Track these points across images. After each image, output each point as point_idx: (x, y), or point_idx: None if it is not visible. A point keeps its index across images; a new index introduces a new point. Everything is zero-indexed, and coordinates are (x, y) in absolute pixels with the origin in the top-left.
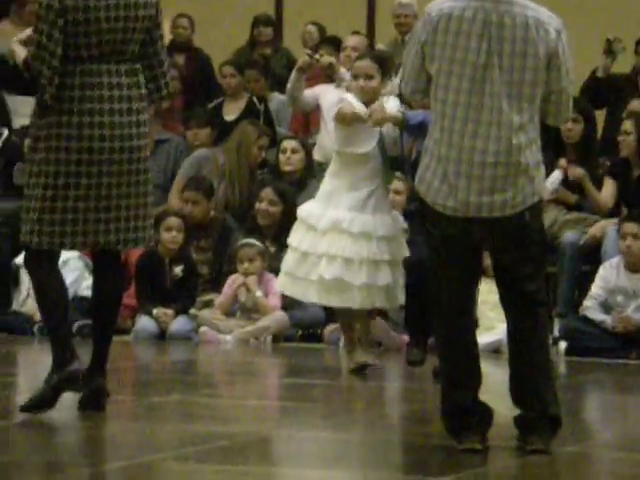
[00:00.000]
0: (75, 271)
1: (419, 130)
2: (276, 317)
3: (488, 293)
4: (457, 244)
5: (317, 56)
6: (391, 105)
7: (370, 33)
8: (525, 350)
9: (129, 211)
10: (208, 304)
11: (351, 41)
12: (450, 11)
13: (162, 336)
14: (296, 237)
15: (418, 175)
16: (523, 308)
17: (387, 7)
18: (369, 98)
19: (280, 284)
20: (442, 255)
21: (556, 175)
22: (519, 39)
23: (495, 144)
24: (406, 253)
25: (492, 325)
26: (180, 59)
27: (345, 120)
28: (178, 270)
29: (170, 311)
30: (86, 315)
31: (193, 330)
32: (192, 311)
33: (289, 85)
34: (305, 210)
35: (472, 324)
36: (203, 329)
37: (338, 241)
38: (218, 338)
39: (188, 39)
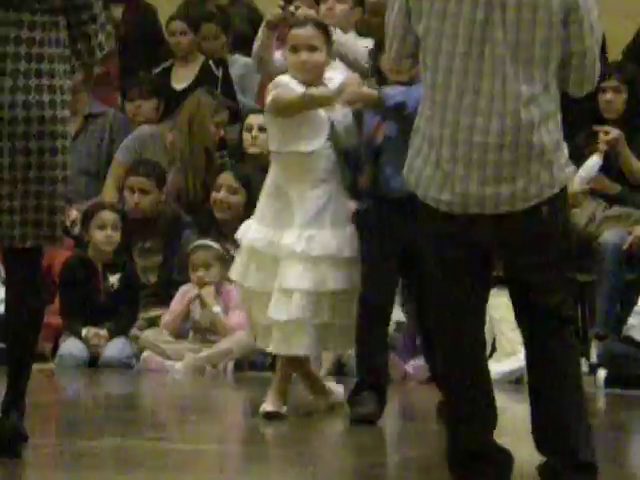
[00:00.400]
0: None
1: (397, 113)
2: (239, 339)
3: (507, 308)
4: (456, 246)
5: (291, 8)
6: (338, 79)
7: None
8: (547, 380)
9: (35, 200)
10: (153, 322)
11: None
12: None
13: (94, 363)
14: (239, 270)
15: (407, 162)
16: (542, 326)
17: None
18: (313, 76)
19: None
20: (438, 261)
21: (594, 161)
22: None
23: (499, 121)
24: None
25: (512, 349)
26: (117, 11)
27: (290, 109)
28: (114, 279)
29: (103, 331)
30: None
31: (133, 356)
32: (132, 332)
33: (256, 45)
34: (246, 234)
35: (480, 346)
36: (146, 354)
37: (293, 270)
38: (165, 366)
39: None
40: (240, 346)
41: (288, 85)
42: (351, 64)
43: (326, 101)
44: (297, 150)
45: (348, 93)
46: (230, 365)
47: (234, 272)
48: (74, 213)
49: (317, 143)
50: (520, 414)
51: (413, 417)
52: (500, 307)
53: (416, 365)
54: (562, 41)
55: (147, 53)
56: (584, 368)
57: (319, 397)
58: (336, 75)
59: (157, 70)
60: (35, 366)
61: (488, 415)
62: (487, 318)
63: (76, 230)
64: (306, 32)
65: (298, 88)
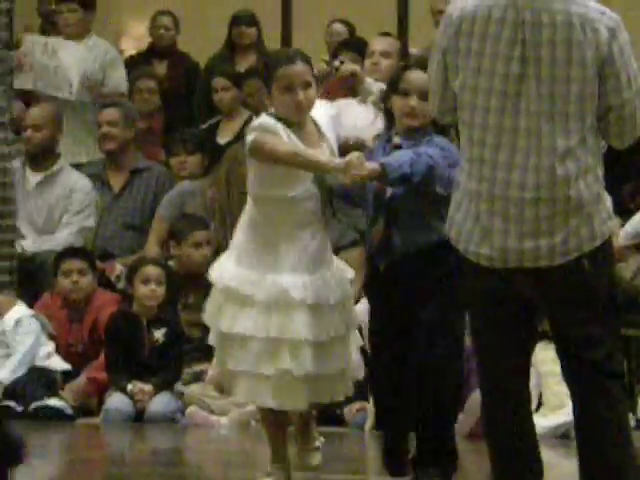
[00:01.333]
0: (31, 334)
1: (402, 183)
2: None
3: (554, 362)
4: (499, 301)
5: (337, 63)
6: (321, 113)
7: (402, 34)
8: (594, 437)
9: None
10: (198, 377)
11: (378, 44)
12: (474, 10)
13: (139, 417)
14: (218, 315)
15: (448, 216)
16: (588, 382)
17: (423, 2)
18: (306, 115)
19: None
20: (481, 317)
21: None
22: (560, 42)
23: (535, 175)
24: (360, 318)
25: (560, 403)
26: (161, 67)
27: (278, 161)
28: (159, 334)
29: (149, 386)
30: (47, 392)
31: (178, 410)
32: (177, 386)
33: None
34: (223, 275)
35: (525, 401)
36: (191, 409)
37: (290, 318)
38: (210, 421)
39: (171, 42)
40: None
41: (277, 132)
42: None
43: (322, 170)
44: (282, 194)
45: (351, 175)
46: (252, 421)
47: (207, 314)
48: (118, 267)
49: (301, 187)
50: (567, 469)
51: (457, 474)
52: (546, 361)
53: (458, 419)
54: (599, 94)
55: (190, 108)
56: (631, 423)
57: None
58: (317, 111)
59: (204, 126)
60: (81, 421)
61: (535, 472)
62: (533, 372)
63: (121, 284)
64: (300, 68)
65: (285, 135)
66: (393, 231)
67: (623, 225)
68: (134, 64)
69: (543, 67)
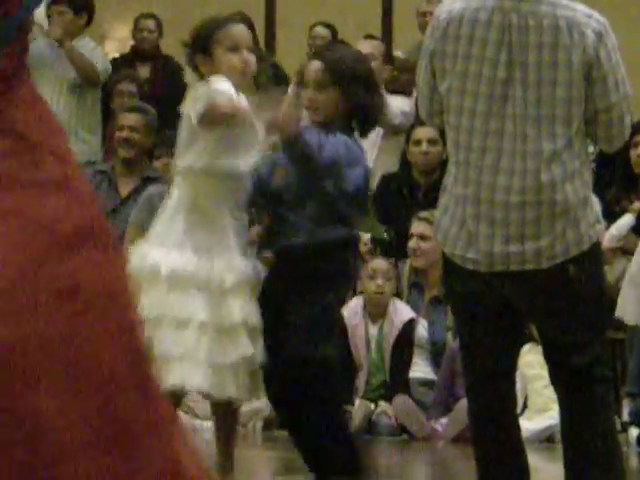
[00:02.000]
0: None
1: (307, 161)
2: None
3: (541, 365)
4: (484, 304)
5: None
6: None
7: (386, 37)
8: (579, 440)
9: None
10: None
11: (363, 47)
12: (461, 13)
13: None
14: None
15: (435, 220)
16: (575, 387)
17: (408, 4)
18: (247, 80)
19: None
20: (466, 319)
21: (626, 220)
22: (547, 45)
23: (521, 179)
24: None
25: (545, 406)
26: (144, 70)
27: (234, 119)
28: None
29: None
30: None
31: None
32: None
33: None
34: (166, 261)
35: (510, 405)
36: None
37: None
38: (194, 425)
39: (154, 45)
40: (269, 405)
41: (224, 88)
42: (382, 121)
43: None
44: (232, 167)
45: (286, 129)
46: (259, 424)
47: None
48: None
49: (251, 162)
50: (552, 473)
51: (443, 477)
52: (533, 364)
53: (445, 423)
54: (586, 98)
55: (174, 111)
56: (617, 426)
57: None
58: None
59: None
60: None
61: (520, 476)
62: (519, 375)
63: None
64: (245, 31)
65: (235, 94)
66: (277, 223)
67: (608, 228)
68: (117, 67)
69: (529, 71)
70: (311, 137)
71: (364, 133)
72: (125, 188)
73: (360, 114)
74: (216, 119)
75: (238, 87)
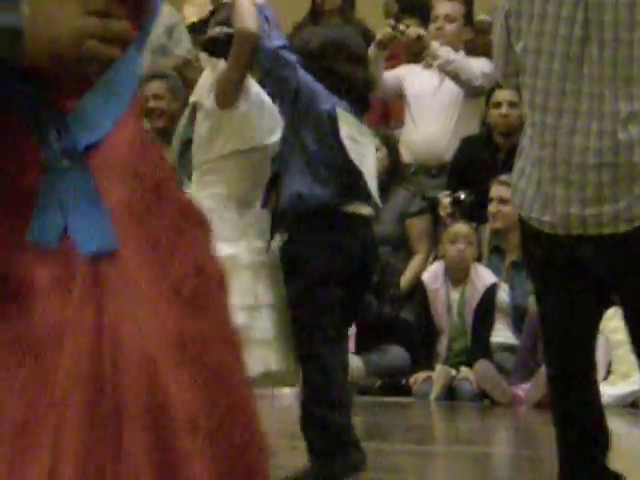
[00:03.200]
0: None
1: (276, 62)
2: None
3: (625, 331)
4: (561, 268)
5: (402, 27)
6: None
7: None
8: None
9: None
10: None
11: (442, 8)
12: None
13: None
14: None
15: (512, 183)
16: None
17: None
18: None
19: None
20: (544, 283)
21: None
22: (624, 5)
23: (597, 140)
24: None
25: (629, 372)
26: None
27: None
28: None
29: None
30: None
31: None
32: None
33: None
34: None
35: (590, 370)
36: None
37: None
38: (273, 392)
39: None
40: (349, 371)
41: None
42: (463, 83)
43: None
44: (263, 143)
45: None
46: None
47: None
48: None
49: (276, 136)
50: (636, 438)
51: (526, 444)
52: (617, 329)
53: (527, 388)
54: None
55: None
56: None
57: None
58: None
59: None
60: None
61: (599, 442)
62: (602, 340)
63: None
64: None
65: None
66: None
67: None
68: (195, 31)
69: (606, 30)
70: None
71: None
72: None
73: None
74: (230, 87)
75: None
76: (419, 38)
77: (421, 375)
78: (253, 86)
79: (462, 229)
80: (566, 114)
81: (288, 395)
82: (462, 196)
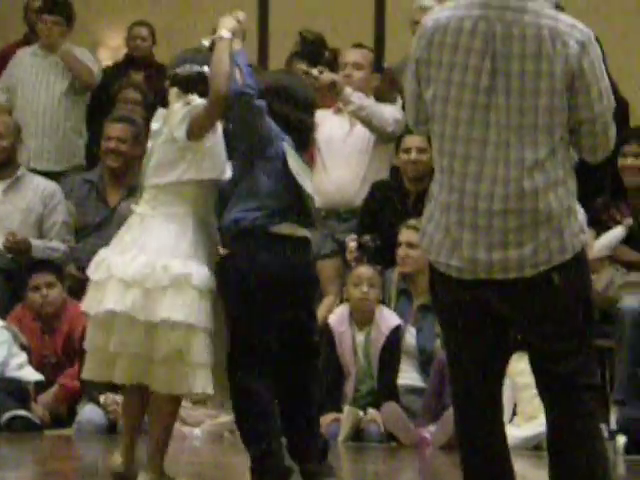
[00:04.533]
0: (2, 345)
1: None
2: None
3: (530, 373)
4: (468, 312)
5: (315, 72)
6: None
7: (378, 46)
8: (566, 449)
9: None
10: None
11: (351, 56)
12: (447, 22)
13: (112, 429)
14: None
15: (421, 226)
16: (561, 395)
17: (400, 13)
18: None
19: None
20: (451, 327)
21: (617, 232)
22: (530, 55)
23: (503, 187)
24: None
25: (534, 414)
26: (137, 78)
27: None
28: None
29: (121, 398)
30: (18, 403)
31: None
32: (104, 399)
33: None
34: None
35: (497, 413)
36: None
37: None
38: (183, 432)
39: (147, 52)
40: None
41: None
42: (375, 129)
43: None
44: (217, 177)
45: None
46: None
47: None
48: None
49: (228, 170)
50: None
51: None
52: (523, 372)
53: (434, 431)
54: (570, 108)
55: None
56: (604, 434)
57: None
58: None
59: None
60: (53, 432)
61: None
62: (507, 383)
63: None
64: None
65: None
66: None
67: (597, 237)
68: (111, 75)
69: (513, 80)
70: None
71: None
72: (113, 198)
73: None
74: (202, 124)
75: None
76: (333, 84)
77: (329, 416)
78: (219, 126)
79: (365, 272)
80: (473, 161)
81: (197, 436)
82: (367, 240)
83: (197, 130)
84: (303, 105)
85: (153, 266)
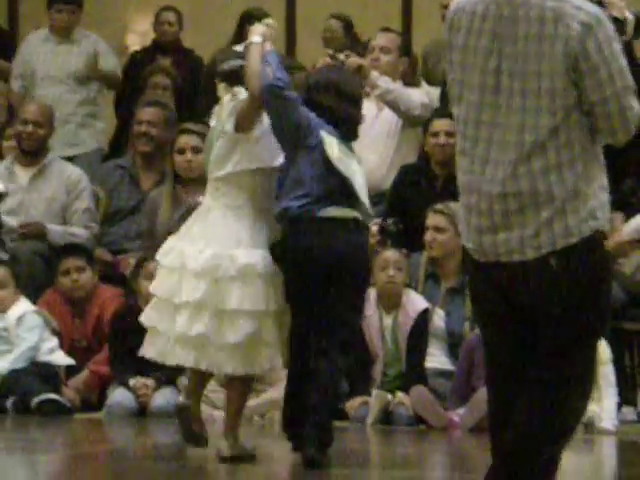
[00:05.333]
0: (34, 330)
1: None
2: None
3: None
4: (493, 297)
5: (342, 57)
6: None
7: (406, 30)
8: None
9: None
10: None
11: (379, 40)
12: (463, 6)
13: (142, 412)
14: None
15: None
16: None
17: None
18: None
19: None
20: (479, 310)
21: None
22: (533, 37)
23: (502, 170)
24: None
25: None
26: (165, 63)
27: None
28: None
29: (151, 381)
30: (49, 387)
31: None
32: (180, 381)
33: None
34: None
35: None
36: None
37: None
38: (213, 415)
39: (174, 38)
40: None
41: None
42: (402, 113)
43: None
44: (269, 165)
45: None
46: (277, 415)
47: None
48: (132, 262)
49: (281, 158)
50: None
51: (461, 467)
52: None
53: (462, 413)
54: (581, 90)
55: (195, 104)
56: (632, 416)
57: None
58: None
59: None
60: (84, 415)
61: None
62: None
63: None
64: None
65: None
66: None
67: (628, 219)
68: (139, 60)
69: (517, 61)
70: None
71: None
72: (146, 183)
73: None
74: (248, 116)
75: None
76: (359, 68)
77: (358, 400)
78: (266, 117)
79: (392, 256)
80: (481, 143)
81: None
82: (389, 224)
83: (243, 122)
84: (350, 99)
85: (220, 257)
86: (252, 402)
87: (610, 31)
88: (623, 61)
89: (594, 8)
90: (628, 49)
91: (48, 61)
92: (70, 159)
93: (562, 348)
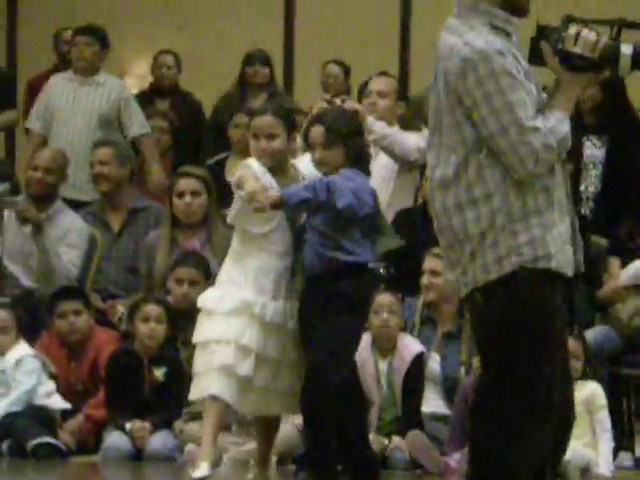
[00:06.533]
0: (32, 374)
1: (305, 207)
2: (282, 433)
3: None
4: None
5: (338, 101)
6: (305, 164)
7: (403, 74)
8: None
9: None
10: (197, 416)
11: (376, 84)
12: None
13: (138, 456)
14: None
15: None
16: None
17: (426, 41)
18: (274, 162)
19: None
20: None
21: None
22: (440, 73)
23: (433, 206)
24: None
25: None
26: (163, 106)
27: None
28: (160, 373)
29: (147, 425)
30: (45, 431)
31: (177, 449)
32: (177, 425)
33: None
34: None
35: None
36: (190, 448)
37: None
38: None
39: (173, 81)
40: (285, 440)
41: (249, 165)
42: (398, 158)
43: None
44: (250, 230)
45: (254, 204)
46: (273, 459)
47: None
48: (120, 309)
49: (269, 225)
50: None
51: None
52: None
53: (459, 458)
54: (469, 125)
55: (193, 147)
56: (629, 462)
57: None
58: (302, 162)
59: (212, 161)
60: (79, 459)
61: None
62: None
63: (123, 326)
64: (264, 121)
65: (260, 171)
66: (305, 251)
67: (625, 264)
68: (137, 103)
69: (435, 99)
70: (297, 188)
71: (368, 172)
72: (116, 223)
73: (361, 159)
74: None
75: (275, 169)
76: (355, 113)
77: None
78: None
79: (385, 299)
80: (429, 182)
81: (223, 463)
82: (380, 269)
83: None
84: (358, 134)
85: (247, 303)
86: (248, 446)
87: (496, 66)
88: (513, 96)
89: (483, 43)
90: (619, 88)
91: (69, 102)
92: (85, 204)
93: (485, 386)
